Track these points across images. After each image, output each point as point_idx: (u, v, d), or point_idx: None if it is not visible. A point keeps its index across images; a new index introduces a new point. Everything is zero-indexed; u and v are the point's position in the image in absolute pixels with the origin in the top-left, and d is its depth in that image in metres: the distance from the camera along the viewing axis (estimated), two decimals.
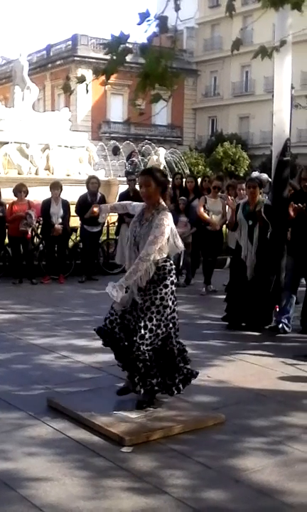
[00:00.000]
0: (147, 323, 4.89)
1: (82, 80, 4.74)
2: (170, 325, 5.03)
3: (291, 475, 4.09)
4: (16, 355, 6.88)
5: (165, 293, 4.96)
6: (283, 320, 8.11)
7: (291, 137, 9.00)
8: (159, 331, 4.94)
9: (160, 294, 4.95)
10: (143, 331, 4.87)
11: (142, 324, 4.88)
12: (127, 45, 4.33)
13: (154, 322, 4.91)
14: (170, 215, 5.00)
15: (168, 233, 4.92)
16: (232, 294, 8.50)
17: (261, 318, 8.31)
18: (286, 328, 8.09)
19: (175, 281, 5.10)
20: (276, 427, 4.94)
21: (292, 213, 7.82)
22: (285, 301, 8.15)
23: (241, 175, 39.70)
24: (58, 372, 6.29)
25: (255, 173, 8.73)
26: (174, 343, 5.07)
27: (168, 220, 4.93)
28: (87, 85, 4.71)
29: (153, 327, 4.90)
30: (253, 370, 6.49)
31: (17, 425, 4.84)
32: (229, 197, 10.62)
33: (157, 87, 4.37)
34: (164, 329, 4.98)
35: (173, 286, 5.04)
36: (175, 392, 5.14)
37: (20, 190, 11.91)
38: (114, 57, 4.34)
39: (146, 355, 4.87)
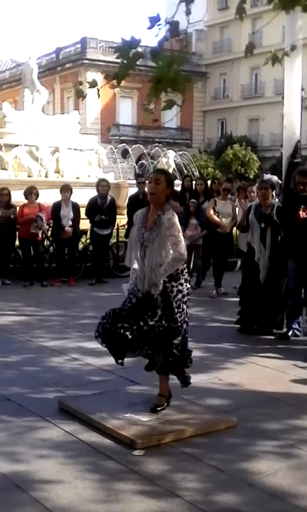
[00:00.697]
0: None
1: (93, 84, 4.73)
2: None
3: (304, 478, 4.06)
4: (27, 358, 6.88)
5: (181, 294, 4.97)
6: (293, 326, 8.04)
7: (301, 139, 8.97)
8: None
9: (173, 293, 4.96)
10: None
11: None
12: (138, 49, 4.32)
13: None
14: (175, 214, 4.99)
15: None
16: (245, 297, 8.45)
17: (273, 322, 8.27)
18: (297, 333, 8.03)
19: (188, 278, 5.12)
20: (289, 430, 4.91)
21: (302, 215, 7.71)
22: (292, 307, 8.08)
23: (251, 177, 39.66)
24: (69, 374, 6.29)
25: (267, 176, 8.68)
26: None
27: (175, 218, 4.94)
28: (98, 90, 4.70)
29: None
30: (265, 373, 6.46)
31: (28, 427, 4.83)
32: (242, 200, 10.59)
33: (169, 92, 4.35)
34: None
35: (188, 284, 5.05)
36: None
37: (31, 192, 11.94)
38: (125, 62, 4.33)
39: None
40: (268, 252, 8.11)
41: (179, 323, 4.95)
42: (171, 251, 4.89)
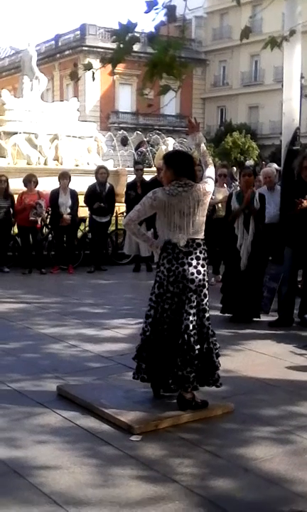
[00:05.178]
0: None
1: (88, 67, 4.71)
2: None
3: (301, 464, 4.09)
4: (26, 345, 6.90)
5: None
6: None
7: (300, 126, 8.95)
8: None
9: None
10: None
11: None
12: (135, 33, 4.30)
13: None
14: (156, 191, 4.97)
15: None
16: (227, 285, 8.35)
17: (253, 309, 8.18)
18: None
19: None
20: (285, 416, 4.93)
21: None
22: (286, 295, 8.03)
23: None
24: (68, 361, 6.31)
25: (249, 162, 8.65)
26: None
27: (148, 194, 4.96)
28: (93, 73, 4.68)
29: None
30: (262, 359, 6.49)
31: (27, 413, 4.86)
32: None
33: (165, 78, 4.33)
34: None
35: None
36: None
37: (30, 180, 11.92)
38: (121, 46, 4.32)
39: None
40: (250, 238, 8.01)
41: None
42: None
